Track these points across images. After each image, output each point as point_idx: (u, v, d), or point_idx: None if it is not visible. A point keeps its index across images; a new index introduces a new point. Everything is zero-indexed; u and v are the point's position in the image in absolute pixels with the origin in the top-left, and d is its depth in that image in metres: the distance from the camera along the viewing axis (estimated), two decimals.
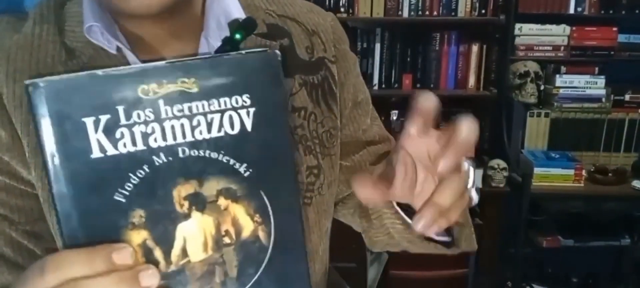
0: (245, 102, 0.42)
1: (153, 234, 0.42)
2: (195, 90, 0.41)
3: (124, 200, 0.41)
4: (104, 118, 0.39)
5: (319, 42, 0.73)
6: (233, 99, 0.42)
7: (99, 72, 0.40)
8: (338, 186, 0.77)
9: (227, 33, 0.66)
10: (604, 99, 2.37)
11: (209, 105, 0.42)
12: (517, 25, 2.30)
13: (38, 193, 0.62)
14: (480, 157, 2.35)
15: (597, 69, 2.38)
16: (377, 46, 2.35)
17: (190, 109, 0.41)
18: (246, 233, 0.44)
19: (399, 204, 0.63)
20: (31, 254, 0.64)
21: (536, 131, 2.40)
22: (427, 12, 2.28)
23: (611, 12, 2.31)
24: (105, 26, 0.61)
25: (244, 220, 0.44)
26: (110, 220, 0.40)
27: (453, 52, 2.36)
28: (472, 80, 2.37)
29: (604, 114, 2.38)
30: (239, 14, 0.68)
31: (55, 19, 0.64)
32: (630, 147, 2.40)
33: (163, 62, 0.41)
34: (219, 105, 0.42)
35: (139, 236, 0.41)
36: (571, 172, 2.27)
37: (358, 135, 0.78)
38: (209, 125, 0.42)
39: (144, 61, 0.63)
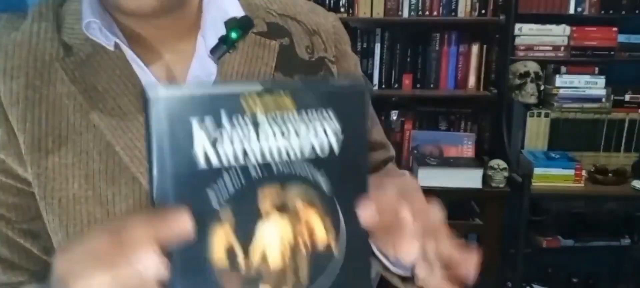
0: (337, 128, 0.47)
1: (237, 232, 0.44)
2: (292, 113, 0.45)
3: (217, 206, 0.43)
4: (211, 127, 0.42)
5: (319, 41, 0.73)
6: (326, 124, 0.47)
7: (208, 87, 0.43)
8: None
9: (224, 31, 0.66)
10: (604, 99, 2.37)
11: (304, 127, 0.46)
12: (517, 26, 2.30)
13: (34, 191, 0.62)
14: (480, 157, 2.35)
15: (597, 69, 2.37)
16: (377, 46, 2.35)
17: (287, 129, 0.45)
18: (321, 244, 0.48)
19: None
20: (28, 253, 0.64)
21: (536, 131, 2.40)
22: (427, 13, 2.28)
23: (611, 12, 2.31)
24: (104, 23, 0.61)
25: (320, 232, 0.48)
26: (201, 218, 0.43)
27: (453, 52, 2.36)
28: (472, 81, 2.37)
29: (604, 114, 2.37)
30: (237, 12, 0.68)
31: (54, 17, 0.64)
32: (630, 147, 2.40)
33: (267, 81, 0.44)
34: (313, 130, 0.46)
35: (223, 231, 0.44)
36: (571, 172, 2.27)
37: None
38: (302, 147, 0.46)
39: (142, 58, 0.63)
